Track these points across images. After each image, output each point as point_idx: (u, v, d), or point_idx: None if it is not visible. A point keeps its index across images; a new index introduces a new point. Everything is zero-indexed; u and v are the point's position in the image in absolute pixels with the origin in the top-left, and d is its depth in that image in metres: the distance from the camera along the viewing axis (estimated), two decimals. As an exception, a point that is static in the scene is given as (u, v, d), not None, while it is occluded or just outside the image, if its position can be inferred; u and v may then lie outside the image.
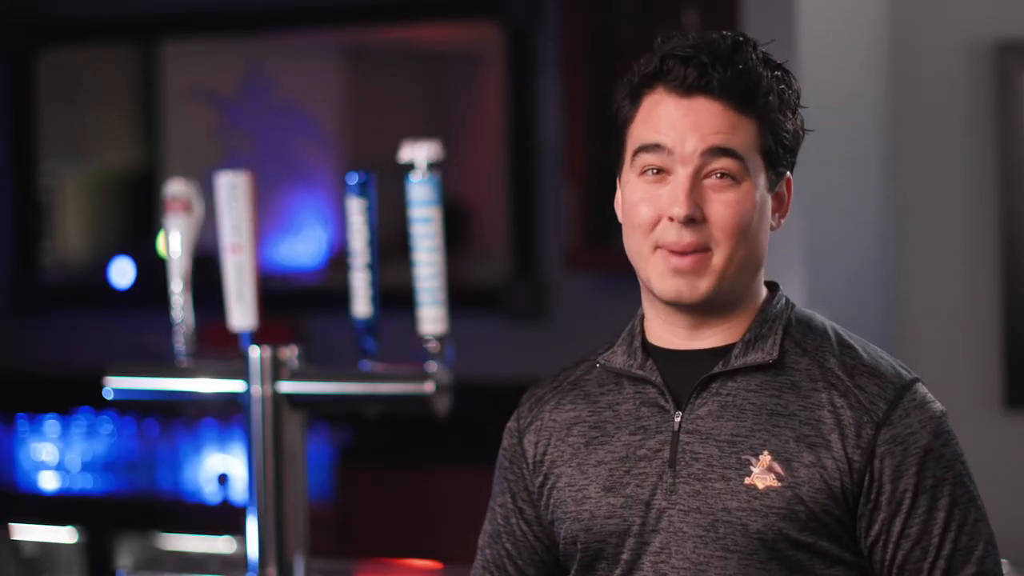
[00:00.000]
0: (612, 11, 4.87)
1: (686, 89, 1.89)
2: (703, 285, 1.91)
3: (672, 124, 1.89)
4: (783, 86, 1.93)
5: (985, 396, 4.48)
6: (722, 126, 1.89)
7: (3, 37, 5.92)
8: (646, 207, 1.91)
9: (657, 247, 1.91)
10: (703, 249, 1.90)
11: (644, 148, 1.91)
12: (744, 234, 1.91)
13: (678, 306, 1.94)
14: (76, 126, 6.00)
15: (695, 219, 1.89)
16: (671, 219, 1.89)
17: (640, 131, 1.92)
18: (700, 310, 1.95)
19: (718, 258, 1.90)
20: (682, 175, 1.89)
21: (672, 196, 1.89)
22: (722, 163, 1.89)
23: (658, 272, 1.92)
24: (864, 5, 4.38)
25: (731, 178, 1.90)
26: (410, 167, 2.71)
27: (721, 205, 1.89)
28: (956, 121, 4.49)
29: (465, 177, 5.40)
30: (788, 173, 1.98)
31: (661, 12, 4.76)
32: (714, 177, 1.90)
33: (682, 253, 1.90)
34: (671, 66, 1.90)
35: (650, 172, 1.91)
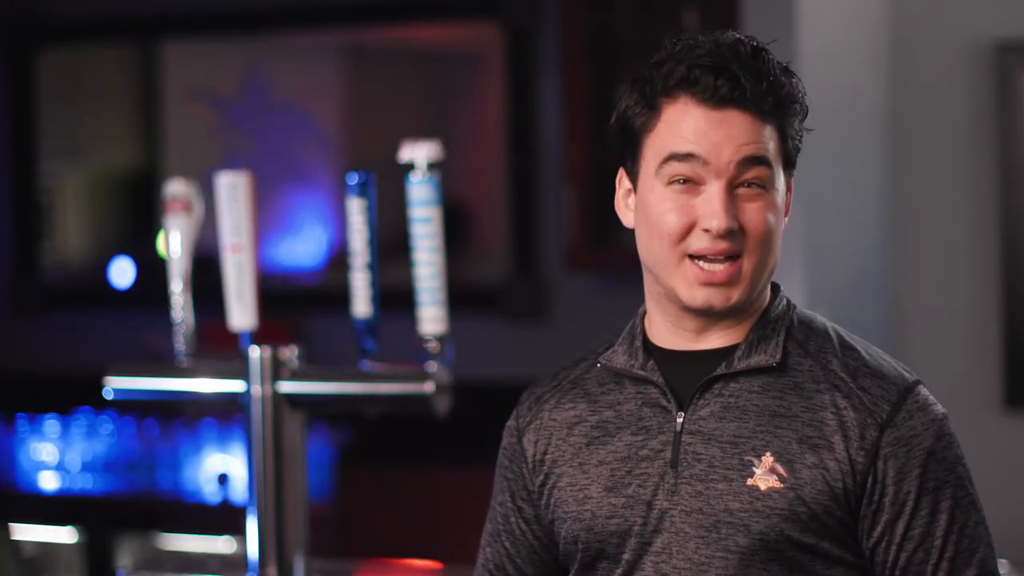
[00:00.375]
0: (612, 11, 4.87)
1: (718, 101, 1.89)
2: (735, 294, 1.91)
3: (704, 135, 1.89)
4: (800, 93, 1.94)
5: (985, 396, 4.48)
6: (753, 136, 1.89)
7: (3, 37, 5.92)
8: (676, 217, 1.91)
9: (686, 256, 1.91)
10: (735, 256, 1.90)
11: (675, 157, 1.90)
12: (771, 239, 1.92)
13: (698, 311, 1.94)
14: (76, 126, 6.00)
15: (732, 230, 1.89)
16: (706, 230, 1.89)
17: (667, 140, 1.91)
18: (715, 314, 1.95)
19: (748, 265, 1.91)
20: (716, 187, 1.89)
21: (710, 209, 1.89)
22: (754, 172, 1.90)
23: (687, 282, 1.91)
24: (864, 5, 4.38)
25: (761, 187, 1.90)
26: (410, 167, 2.71)
27: (754, 213, 1.90)
28: (956, 121, 4.49)
29: (465, 177, 5.39)
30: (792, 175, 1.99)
31: (661, 12, 4.76)
32: (745, 186, 1.90)
33: (714, 261, 1.90)
34: (698, 76, 1.89)
35: (678, 182, 1.91)
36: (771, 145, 1.91)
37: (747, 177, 1.90)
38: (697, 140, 1.89)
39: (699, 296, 1.91)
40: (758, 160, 1.89)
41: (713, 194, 1.89)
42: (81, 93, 5.98)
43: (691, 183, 1.90)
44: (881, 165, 4.46)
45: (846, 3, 4.26)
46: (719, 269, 1.90)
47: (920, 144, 4.52)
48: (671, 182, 1.91)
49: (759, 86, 1.88)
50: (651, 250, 1.94)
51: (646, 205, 1.94)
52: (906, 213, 4.54)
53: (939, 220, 4.52)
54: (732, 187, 1.90)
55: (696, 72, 1.89)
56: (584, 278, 5.15)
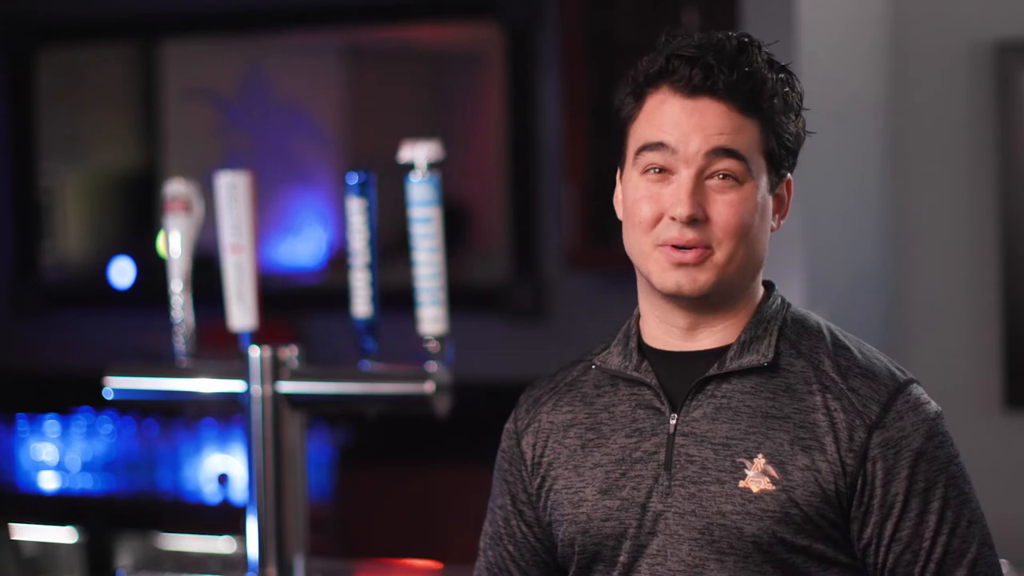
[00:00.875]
0: (612, 11, 4.87)
1: (691, 90, 1.89)
2: (703, 278, 1.90)
3: (676, 124, 1.90)
4: (787, 88, 1.93)
5: (985, 396, 4.48)
6: (726, 127, 1.89)
7: (3, 37, 5.92)
8: (647, 205, 1.91)
9: (658, 245, 1.91)
10: (704, 246, 1.90)
11: (647, 147, 1.91)
12: (745, 234, 1.91)
13: (677, 300, 1.94)
14: (76, 126, 6.00)
15: (697, 219, 1.89)
16: (673, 219, 1.89)
17: (643, 130, 1.92)
18: (698, 308, 1.94)
19: (719, 255, 1.90)
20: (685, 175, 1.89)
21: (675, 196, 1.89)
22: (725, 164, 1.89)
23: (659, 266, 1.91)
24: (864, 5, 4.38)
25: (734, 179, 1.90)
26: (410, 167, 2.71)
27: (723, 205, 1.89)
28: (956, 121, 4.49)
29: (465, 177, 5.40)
30: (789, 175, 1.98)
31: (661, 12, 4.76)
32: (717, 178, 1.90)
33: (684, 248, 1.90)
34: (676, 66, 1.90)
35: (652, 171, 1.91)
36: (748, 139, 1.90)
37: (717, 168, 1.89)
38: (670, 129, 1.90)
39: (670, 279, 1.91)
40: (728, 152, 1.89)
41: (680, 183, 1.89)
42: (81, 93, 5.98)
43: (665, 172, 1.91)
44: (881, 165, 4.46)
45: (846, 3, 4.26)
46: (688, 251, 1.89)
47: (920, 144, 4.52)
48: (645, 171, 1.92)
49: (732, 76, 1.88)
50: (629, 240, 1.95)
51: (625, 195, 1.96)
52: (906, 213, 4.54)
53: (939, 220, 4.52)
54: (702, 177, 1.90)
55: (675, 62, 1.90)
56: (584, 278, 5.15)
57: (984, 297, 4.49)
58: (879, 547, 1.89)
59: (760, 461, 1.89)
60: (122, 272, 5.83)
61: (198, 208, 2.88)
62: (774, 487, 1.88)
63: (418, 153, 2.70)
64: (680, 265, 1.90)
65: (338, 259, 5.35)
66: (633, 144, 1.94)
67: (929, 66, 4.49)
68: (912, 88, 4.51)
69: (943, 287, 4.53)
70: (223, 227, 2.82)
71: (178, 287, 2.88)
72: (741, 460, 1.90)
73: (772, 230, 1.97)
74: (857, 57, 4.33)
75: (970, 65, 4.46)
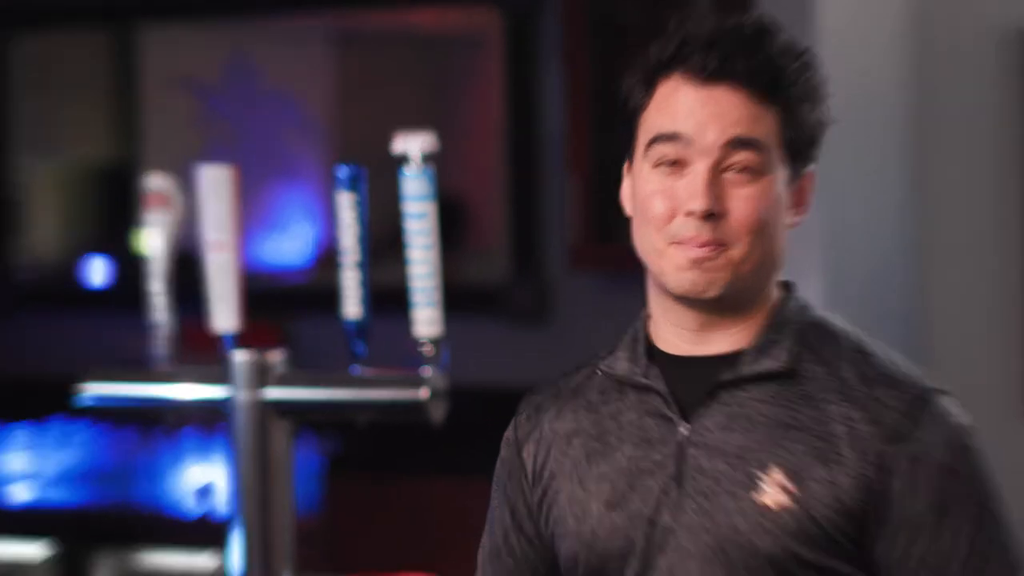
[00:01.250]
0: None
1: (706, 76, 1.88)
2: (718, 277, 1.89)
3: (691, 113, 1.88)
4: (808, 75, 1.92)
5: (1011, 401, 4.48)
6: (744, 117, 1.88)
7: (-28, 22, 5.93)
8: (661, 201, 1.90)
9: (672, 243, 1.90)
10: (720, 244, 1.89)
11: (660, 138, 1.90)
12: (763, 230, 1.90)
13: (690, 302, 1.93)
14: (49, 117, 6.00)
15: (714, 214, 1.88)
16: (688, 214, 1.88)
17: (655, 119, 1.91)
18: (711, 309, 1.93)
19: (735, 252, 1.89)
20: (701, 168, 1.88)
21: (690, 190, 1.88)
22: (743, 156, 1.88)
23: (674, 264, 1.90)
24: (886, -11, 4.39)
25: (752, 171, 1.89)
26: (404, 159, 2.71)
27: (741, 200, 1.88)
28: (983, 111, 4.50)
29: (462, 170, 5.40)
30: (810, 167, 1.97)
31: (669, -4, 4.76)
32: (734, 170, 1.89)
33: (700, 246, 1.89)
34: (690, 51, 1.88)
35: (665, 163, 1.90)
36: (767, 129, 1.89)
37: (735, 160, 1.88)
38: (683, 119, 1.88)
39: (685, 279, 1.89)
40: (748, 143, 1.88)
41: (696, 175, 1.88)
42: (54, 82, 5.99)
43: (678, 164, 1.90)
44: (904, 158, 4.47)
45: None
46: (705, 248, 1.88)
47: (945, 135, 4.52)
48: (658, 164, 1.91)
49: (752, 62, 1.87)
50: (640, 237, 1.94)
51: (635, 189, 1.94)
52: (930, 208, 4.54)
53: (965, 215, 4.53)
54: (719, 170, 1.88)
55: (688, 47, 1.89)
56: (588, 277, 5.15)
57: (1011, 298, 4.50)
58: (903, 568, 1.86)
59: (776, 474, 1.88)
60: (97, 271, 5.83)
61: (178, 203, 2.89)
62: (791, 501, 1.87)
63: (412, 145, 2.70)
64: (696, 262, 1.89)
65: (327, 257, 5.35)
66: (644, 135, 1.92)
67: (954, 54, 4.50)
68: (937, 77, 4.52)
69: (968, 287, 4.53)
70: (205, 223, 2.82)
71: (157, 287, 2.88)
72: (756, 472, 1.88)
73: (791, 226, 1.96)
74: (879, 43, 4.33)
75: (997, 53, 4.47)
